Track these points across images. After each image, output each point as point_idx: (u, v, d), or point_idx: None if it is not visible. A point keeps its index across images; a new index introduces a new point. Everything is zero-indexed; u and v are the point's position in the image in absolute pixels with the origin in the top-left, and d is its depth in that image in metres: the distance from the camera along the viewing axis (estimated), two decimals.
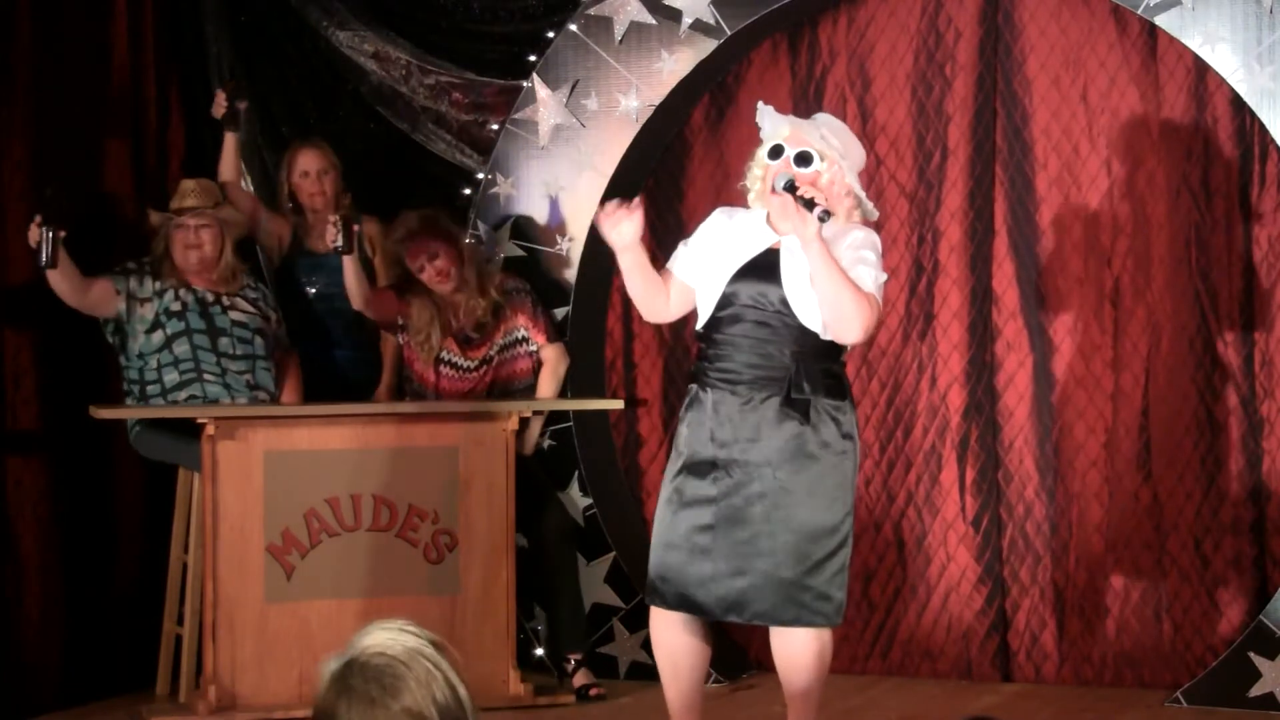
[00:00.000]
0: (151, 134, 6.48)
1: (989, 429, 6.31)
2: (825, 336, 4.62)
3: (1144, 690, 6.11)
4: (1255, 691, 5.77)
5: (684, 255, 4.81)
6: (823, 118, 4.86)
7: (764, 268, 4.66)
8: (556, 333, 6.32)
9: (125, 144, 6.38)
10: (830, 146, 4.68)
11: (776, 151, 4.69)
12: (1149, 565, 6.17)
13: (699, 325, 4.75)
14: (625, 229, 4.65)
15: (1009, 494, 6.29)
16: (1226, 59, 5.78)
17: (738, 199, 4.88)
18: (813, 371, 4.62)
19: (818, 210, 4.49)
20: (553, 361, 6.29)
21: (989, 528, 6.30)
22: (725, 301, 4.67)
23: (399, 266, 6.25)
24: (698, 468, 4.68)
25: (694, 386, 4.75)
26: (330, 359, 6.43)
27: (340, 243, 6.01)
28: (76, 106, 6.18)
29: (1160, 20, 5.86)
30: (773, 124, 4.76)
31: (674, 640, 4.77)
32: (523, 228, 6.46)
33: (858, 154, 4.79)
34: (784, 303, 4.61)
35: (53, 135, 6.03)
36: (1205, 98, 6.10)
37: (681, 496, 4.69)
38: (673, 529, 4.70)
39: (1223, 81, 5.89)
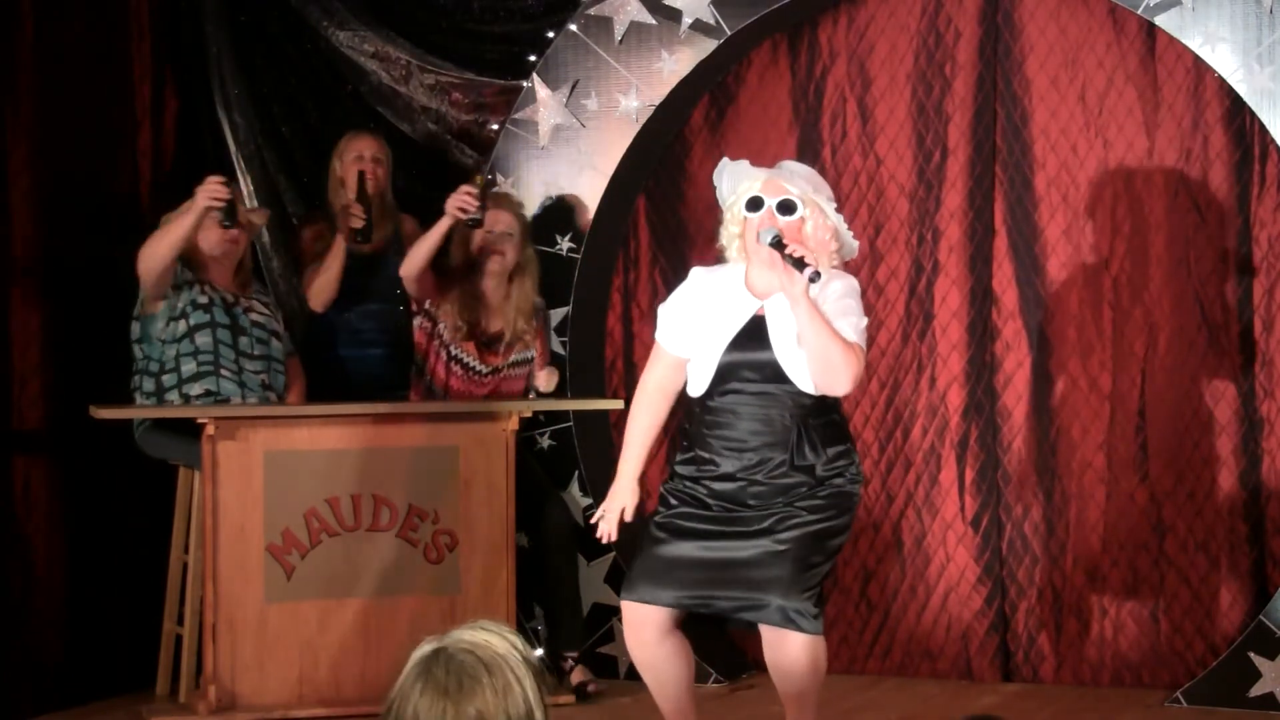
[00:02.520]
0: (150, 134, 6.49)
1: (988, 429, 6.32)
2: (817, 393, 4.57)
3: (1144, 690, 6.11)
4: (1255, 691, 5.77)
5: (672, 329, 4.73)
6: (787, 164, 4.80)
7: (754, 335, 4.59)
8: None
9: (126, 145, 6.39)
10: (807, 192, 4.61)
11: (755, 204, 4.60)
12: (1146, 566, 6.17)
13: (694, 393, 4.68)
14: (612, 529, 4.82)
15: (1008, 494, 6.30)
16: (1226, 59, 5.78)
17: None
18: (815, 430, 4.60)
19: (808, 271, 4.40)
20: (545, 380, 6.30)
21: (988, 528, 6.30)
22: (721, 374, 4.61)
23: (463, 249, 6.20)
24: (697, 493, 4.65)
25: (695, 449, 4.68)
26: (361, 358, 6.43)
27: (475, 216, 5.97)
28: (79, 106, 6.19)
29: (1160, 20, 5.86)
30: (735, 179, 4.68)
31: (650, 654, 4.70)
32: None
33: (828, 192, 4.71)
34: (777, 368, 4.56)
35: (56, 135, 6.04)
36: (1205, 98, 6.10)
37: (681, 503, 4.66)
38: (667, 530, 4.67)
39: (1223, 81, 5.89)
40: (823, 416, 4.62)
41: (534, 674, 2.42)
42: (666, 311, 4.75)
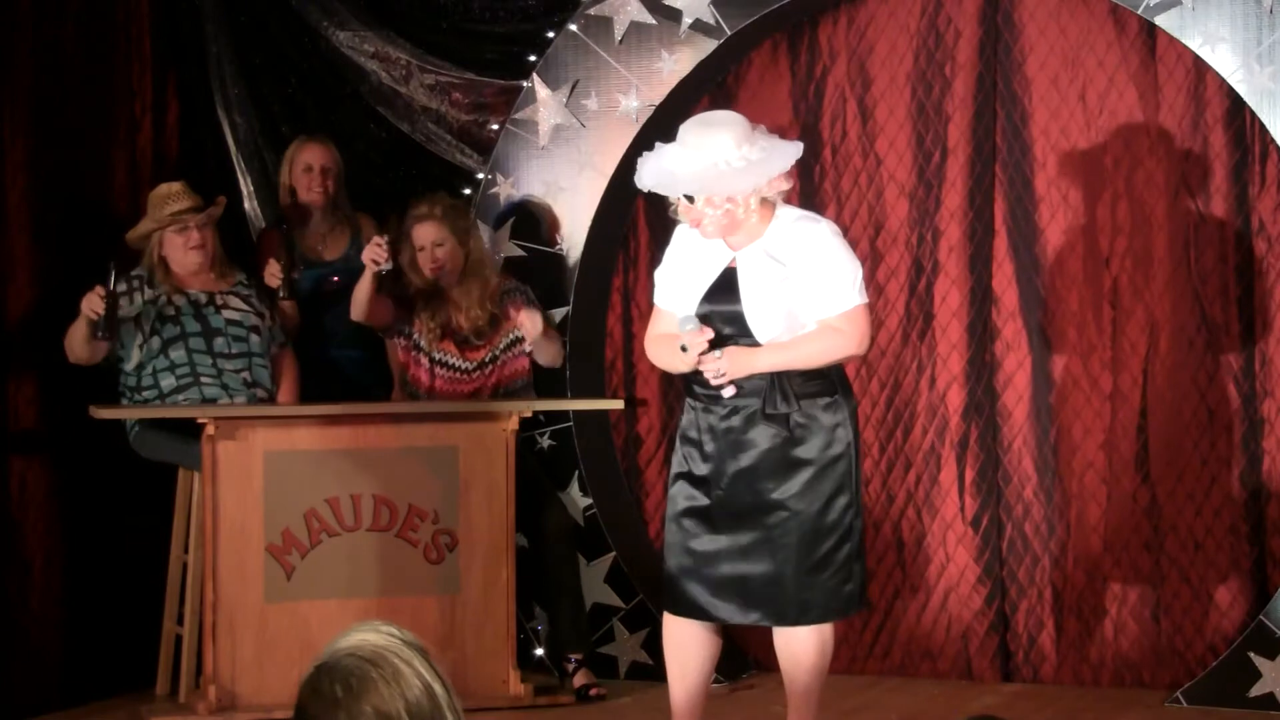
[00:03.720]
0: (150, 134, 6.49)
1: (988, 429, 6.32)
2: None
3: (1144, 690, 6.11)
4: (1255, 691, 5.77)
5: (664, 286, 4.91)
6: (681, 132, 4.72)
7: (725, 287, 4.72)
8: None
9: (125, 145, 6.39)
10: (689, 176, 4.62)
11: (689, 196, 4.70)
12: (1147, 566, 6.17)
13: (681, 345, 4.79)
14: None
15: (1008, 494, 6.29)
16: (1226, 59, 5.78)
17: None
18: (790, 382, 4.68)
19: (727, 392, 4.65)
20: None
21: (988, 528, 6.30)
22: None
23: (417, 273, 6.20)
24: (694, 481, 4.77)
25: (687, 398, 4.84)
26: (336, 361, 6.42)
27: (386, 266, 5.99)
28: (76, 108, 6.19)
29: (1160, 20, 5.86)
30: (648, 184, 4.74)
31: (686, 640, 4.81)
32: (522, 228, 6.46)
33: (726, 137, 4.63)
34: (744, 321, 4.68)
35: (53, 136, 6.04)
36: (1205, 98, 6.10)
37: (681, 509, 4.79)
38: (678, 541, 4.79)
39: (1223, 81, 5.89)
40: (801, 369, 4.70)
41: (420, 653, 2.40)
42: (659, 273, 4.93)
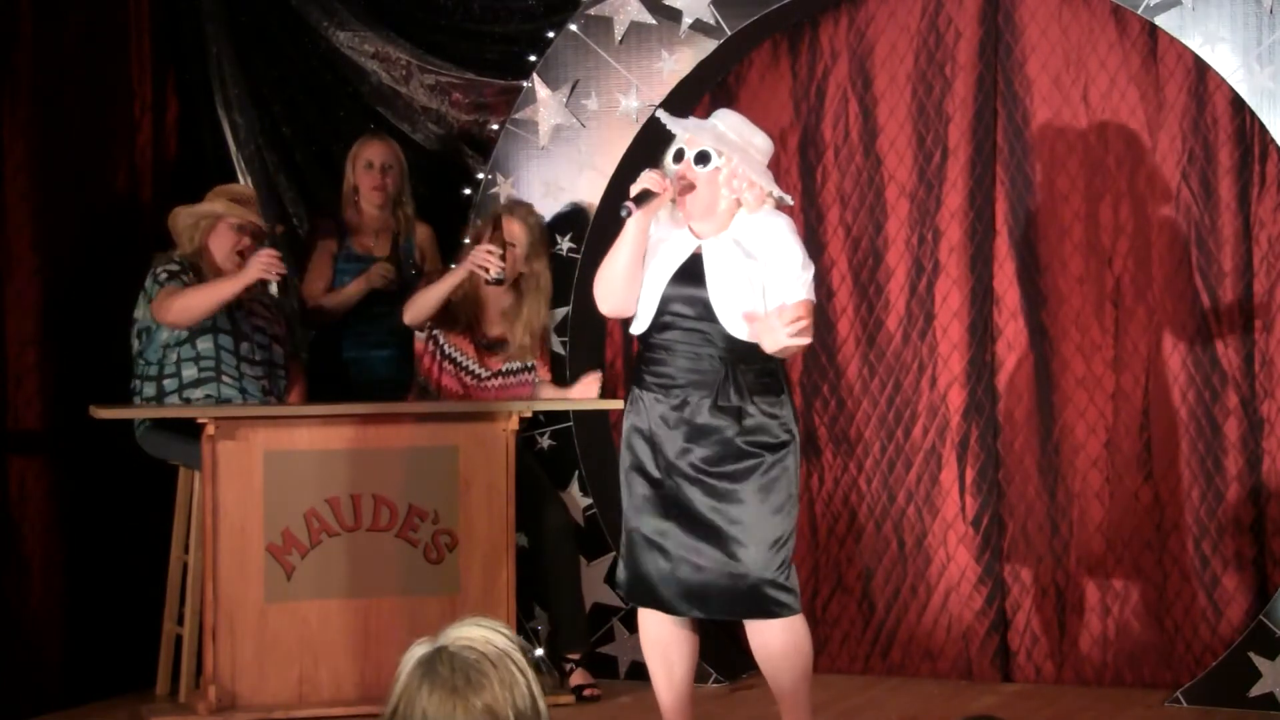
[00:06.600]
0: (150, 134, 6.49)
1: (989, 429, 6.32)
2: (749, 339, 4.68)
3: (1144, 690, 6.11)
4: (1255, 691, 5.77)
5: None
6: (722, 114, 4.91)
7: (691, 273, 4.74)
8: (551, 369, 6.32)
9: (125, 145, 6.39)
10: (727, 143, 4.74)
11: (679, 155, 4.77)
12: (1149, 565, 6.17)
13: (637, 329, 4.82)
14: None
15: (1009, 494, 6.29)
16: (1226, 59, 5.78)
17: None
18: (743, 375, 4.69)
19: (623, 207, 4.63)
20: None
21: (989, 528, 6.30)
22: (661, 309, 4.75)
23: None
24: (643, 469, 4.77)
25: (634, 389, 4.83)
26: (372, 359, 6.42)
27: (497, 275, 5.96)
28: (77, 107, 6.19)
29: (1160, 20, 5.86)
30: (680, 128, 4.83)
31: (667, 639, 4.82)
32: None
33: (762, 144, 4.82)
34: (709, 306, 4.69)
35: (54, 136, 6.04)
36: (1205, 98, 6.10)
37: (633, 498, 4.79)
38: (632, 528, 4.79)
39: (1223, 81, 5.89)
40: (755, 364, 4.71)
41: (534, 668, 2.46)
42: None
